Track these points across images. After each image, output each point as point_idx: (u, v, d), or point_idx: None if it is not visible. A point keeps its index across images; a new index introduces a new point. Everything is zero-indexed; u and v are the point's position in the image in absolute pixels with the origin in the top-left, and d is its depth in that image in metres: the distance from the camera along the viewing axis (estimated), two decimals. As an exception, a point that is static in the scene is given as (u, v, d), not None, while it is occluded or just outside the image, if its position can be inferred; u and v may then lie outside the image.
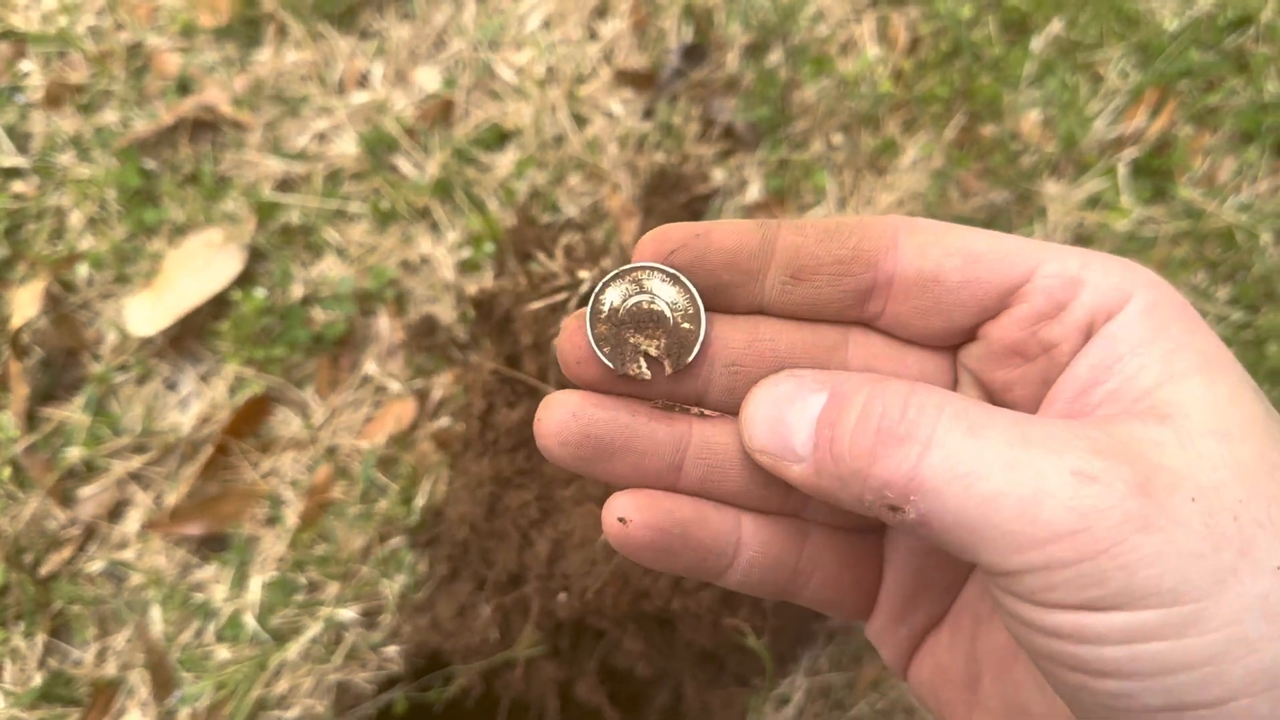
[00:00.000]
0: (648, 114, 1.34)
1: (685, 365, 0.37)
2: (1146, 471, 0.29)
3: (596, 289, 0.38)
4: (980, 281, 0.35)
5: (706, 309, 0.37)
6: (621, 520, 0.37)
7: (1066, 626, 0.30)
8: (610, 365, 0.37)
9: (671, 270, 0.37)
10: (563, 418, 0.37)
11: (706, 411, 0.39)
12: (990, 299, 0.36)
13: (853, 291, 0.37)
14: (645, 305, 0.37)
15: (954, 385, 0.40)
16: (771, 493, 0.39)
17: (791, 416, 0.34)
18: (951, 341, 0.38)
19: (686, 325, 0.37)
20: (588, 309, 0.37)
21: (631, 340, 0.37)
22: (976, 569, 0.41)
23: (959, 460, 0.30)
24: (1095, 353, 0.34)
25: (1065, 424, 0.31)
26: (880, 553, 0.43)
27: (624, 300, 0.37)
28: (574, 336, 0.38)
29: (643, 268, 0.37)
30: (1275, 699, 0.28)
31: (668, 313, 0.37)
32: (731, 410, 0.39)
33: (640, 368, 0.37)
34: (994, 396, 0.38)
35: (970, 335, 0.38)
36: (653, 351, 0.37)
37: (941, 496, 0.30)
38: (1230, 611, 0.27)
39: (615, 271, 0.38)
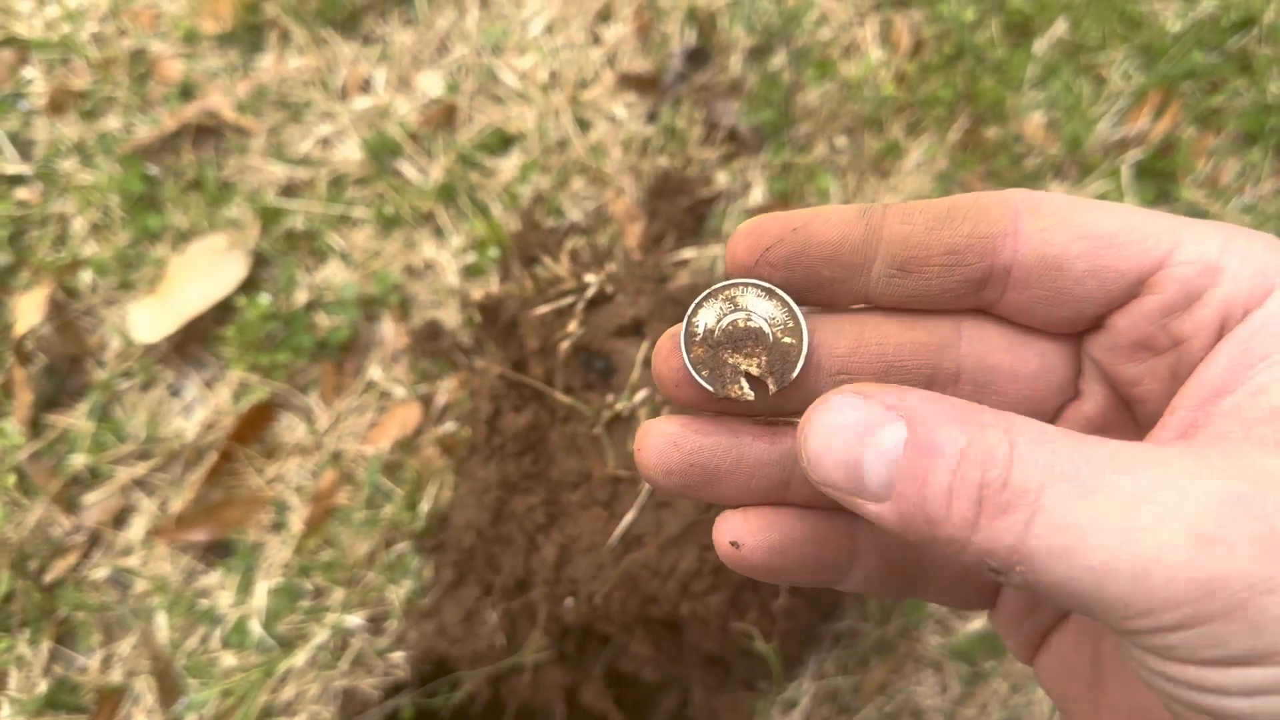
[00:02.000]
0: (651, 118, 1.34)
1: (789, 382, 0.35)
2: (1271, 524, 0.26)
3: (689, 311, 0.36)
4: (1108, 270, 0.33)
5: (806, 316, 0.35)
6: (734, 545, 0.36)
7: (1187, 677, 0.28)
8: (710, 389, 0.35)
9: (767, 285, 0.35)
10: (664, 448, 0.35)
11: None
12: (1119, 288, 0.33)
13: (967, 281, 0.35)
14: (742, 323, 0.35)
15: (1078, 376, 0.37)
16: None
17: (864, 454, 0.30)
18: (1076, 329, 0.36)
19: (788, 340, 0.35)
20: (682, 330, 0.36)
21: (730, 361, 0.35)
22: None
23: (1069, 531, 0.27)
24: (1225, 355, 0.31)
25: (1183, 469, 0.28)
26: None
27: (719, 320, 0.36)
28: (670, 359, 0.36)
29: (736, 284, 0.36)
30: None
31: (766, 329, 0.35)
32: None
33: (742, 389, 0.35)
34: (1120, 390, 0.36)
35: (1096, 323, 0.35)
36: (754, 371, 0.35)
37: (1050, 569, 0.28)
38: None
39: (707, 291, 0.36)
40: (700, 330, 0.36)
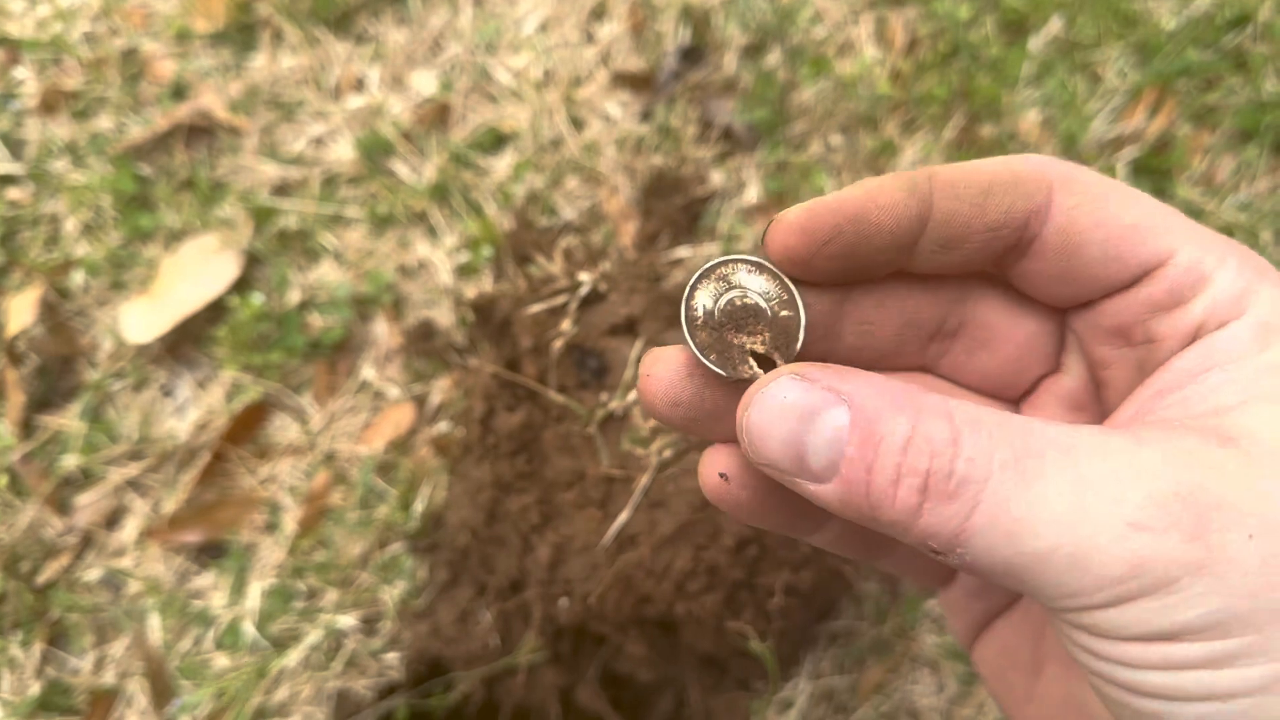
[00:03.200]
0: (645, 116, 1.34)
1: (795, 355, 0.35)
2: (1203, 511, 0.28)
3: (686, 295, 0.35)
4: (1120, 261, 0.34)
5: (799, 289, 0.35)
6: (723, 476, 0.36)
7: (1110, 652, 0.30)
8: (722, 373, 0.35)
9: (755, 260, 0.35)
10: (675, 379, 0.35)
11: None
12: (1122, 278, 0.34)
13: (997, 253, 0.35)
14: (739, 301, 0.35)
15: (1062, 350, 0.39)
16: None
17: (806, 438, 0.31)
18: (1071, 305, 0.37)
19: (785, 313, 0.35)
20: (683, 318, 0.35)
21: (735, 341, 0.35)
22: None
23: (1010, 517, 0.28)
24: (1190, 359, 0.33)
25: (1127, 455, 0.29)
26: None
27: (716, 300, 0.35)
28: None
29: (725, 261, 0.35)
30: None
31: (763, 304, 0.35)
32: (860, 365, 0.38)
33: (752, 368, 0.35)
34: (1092, 369, 0.38)
35: (1088, 302, 0.36)
36: (760, 348, 0.35)
37: (990, 551, 0.29)
38: None
39: (699, 272, 0.36)
40: (700, 313, 0.35)
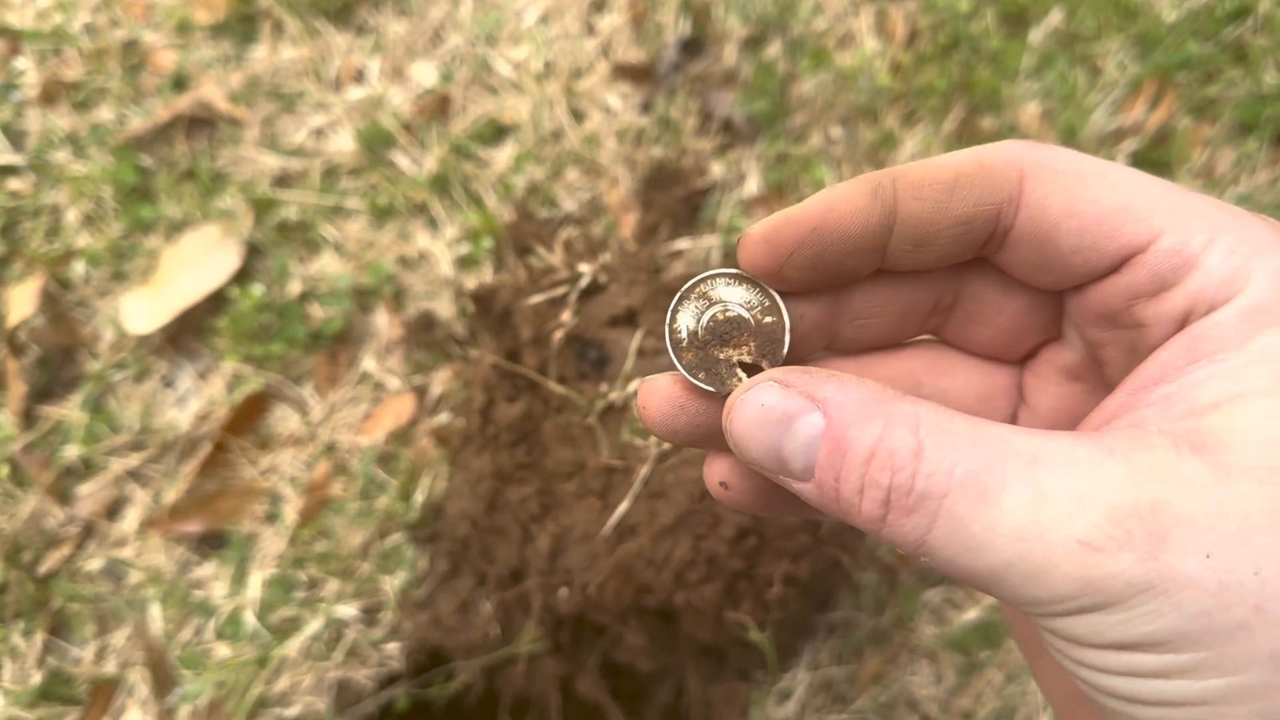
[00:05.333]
0: (646, 108, 1.33)
1: (783, 359, 0.36)
2: (1162, 529, 0.28)
3: (668, 319, 0.36)
4: (1093, 250, 0.33)
5: (784, 297, 0.36)
6: (723, 485, 0.38)
7: (1074, 654, 0.30)
8: (712, 390, 0.36)
9: (733, 271, 0.36)
10: (670, 411, 0.37)
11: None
12: (1102, 266, 0.33)
13: (973, 245, 0.35)
14: (721, 316, 0.36)
15: (1061, 319, 0.38)
16: None
17: (783, 440, 0.32)
18: (1057, 290, 0.37)
19: (769, 319, 0.36)
20: (668, 342, 0.36)
21: (721, 356, 0.36)
22: None
23: (967, 534, 0.29)
24: (1175, 347, 0.32)
25: (1091, 467, 0.29)
26: None
27: (699, 319, 0.36)
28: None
29: (704, 278, 0.36)
30: None
31: (745, 314, 0.36)
32: (864, 351, 0.39)
33: (740, 380, 0.36)
34: (1091, 351, 0.37)
35: (1077, 286, 0.36)
36: (747, 358, 0.36)
37: (952, 561, 0.30)
38: (1234, 663, 0.27)
39: (679, 294, 0.36)
40: (684, 334, 0.36)
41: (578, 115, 1.33)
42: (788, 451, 0.32)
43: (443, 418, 1.16)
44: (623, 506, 0.93)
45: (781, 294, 0.36)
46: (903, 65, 1.37)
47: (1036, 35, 1.39)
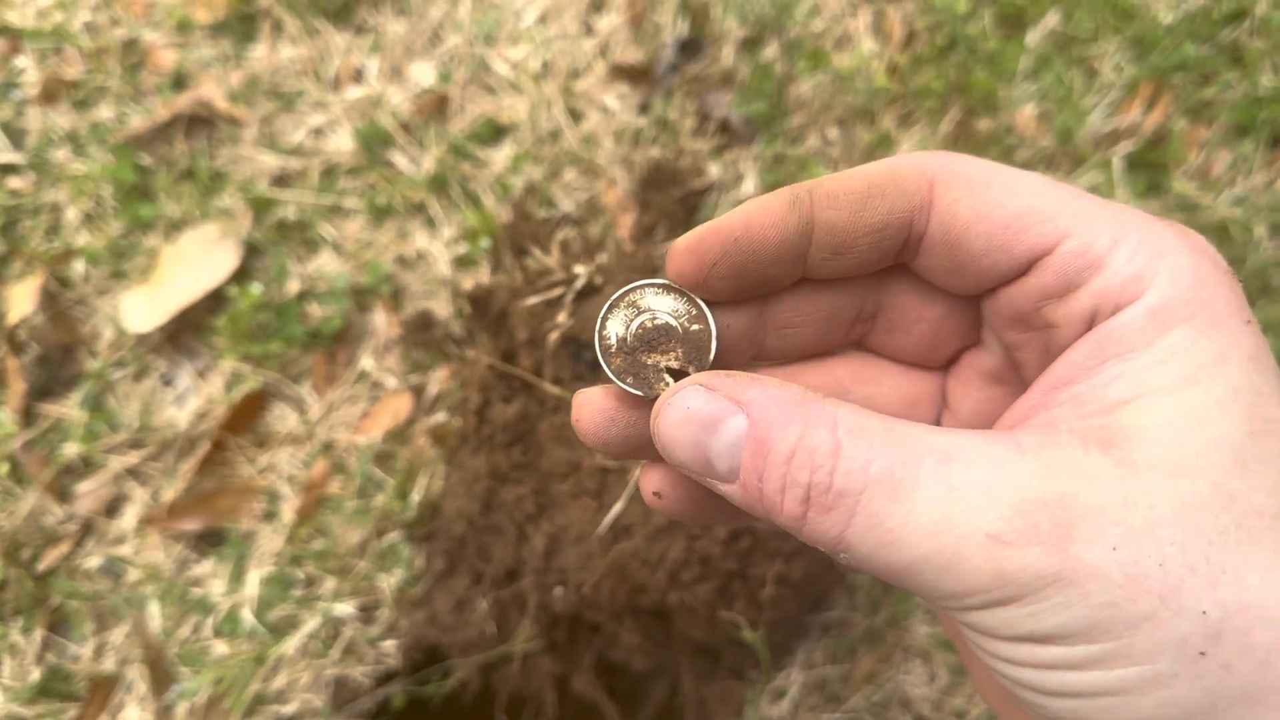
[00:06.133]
0: (643, 109, 1.34)
1: (709, 365, 0.37)
2: (1069, 522, 0.29)
3: (598, 326, 0.37)
4: (1002, 252, 0.34)
5: (711, 306, 0.37)
6: (657, 495, 0.39)
7: (989, 647, 0.31)
8: (639, 394, 0.37)
9: (661, 281, 0.37)
10: (602, 423, 0.37)
11: None
12: (1011, 268, 0.34)
13: (889, 251, 0.36)
14: (650, 324, 0.37)
15: (980, 326, 0.40)
16: None
17: (709, 442, 0.33)
18: (972, 294, 0.38)
19: (696, 327, 0.37)
20: (596, 348, 0.37)
21: (649, 362, 0.37)
22: None
23: (883, 530, 0.30)
24: (1084, 348, 0.33)
25: (1002, 463, 0.30)
26: None
27: (628, 326, 0.37)
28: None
29: (634, 288, 0.37)
30: None
31: (673, 322, 0.37)
32: (789, 361, 0.40)
33: (667, 384, 0.37)
34: (1008, 354, 0.38)
35: (991, 290, 0.37)
36: (674, 364, 0.37)
37: (870, 557, 0.31)
38: (1142, 652, 0.28)
39: (609, 303, 0.38)
40: (613, 341, 0.37)
41: (575, 115, 1.33)
42: (713, 453, 0.33)
43: (440, 417, 1.17)
44: (617, 507, 0.93)
45: (708, 303, 0.37)
46: (900, 66, 1.37)
47: (1033, 37, 1.39)
